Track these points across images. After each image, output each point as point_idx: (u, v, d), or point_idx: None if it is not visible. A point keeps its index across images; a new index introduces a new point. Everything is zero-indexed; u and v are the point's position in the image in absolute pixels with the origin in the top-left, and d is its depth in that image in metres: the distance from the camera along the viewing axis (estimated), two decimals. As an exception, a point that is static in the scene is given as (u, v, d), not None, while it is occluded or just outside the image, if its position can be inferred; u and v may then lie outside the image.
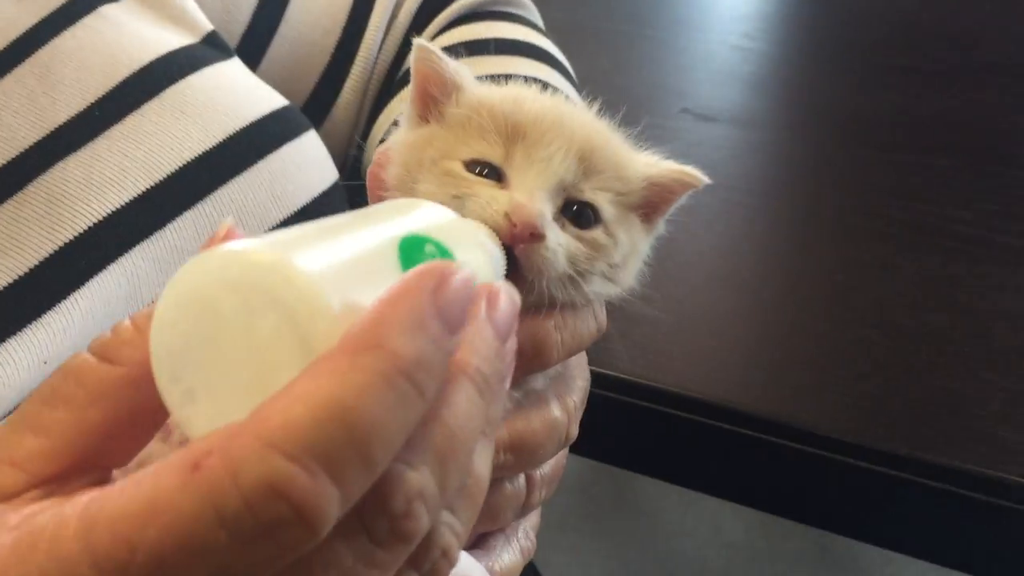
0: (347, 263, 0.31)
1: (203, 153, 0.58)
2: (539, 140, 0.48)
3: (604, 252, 0.48)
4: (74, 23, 0.61)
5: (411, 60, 0.51)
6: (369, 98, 0.83)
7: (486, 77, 0.75)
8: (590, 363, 0.55)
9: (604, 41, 1.23)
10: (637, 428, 0.75)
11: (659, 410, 0.71)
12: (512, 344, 0.35)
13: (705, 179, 0.51)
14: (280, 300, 0.28)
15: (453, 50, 0.77)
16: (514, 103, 0.50)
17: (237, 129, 0.61)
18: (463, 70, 0.51)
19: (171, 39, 0.64)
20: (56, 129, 0.56)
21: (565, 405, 0.49)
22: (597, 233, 0.48)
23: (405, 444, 0.28)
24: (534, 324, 0.46)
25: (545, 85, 0.77)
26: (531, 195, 0.46)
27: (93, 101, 0.58)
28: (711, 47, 1.26)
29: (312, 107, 0.80)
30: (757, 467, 0.72)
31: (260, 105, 0.64)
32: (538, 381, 0.50)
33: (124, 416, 0.31)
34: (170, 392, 0.29)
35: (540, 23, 0.90)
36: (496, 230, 0.44)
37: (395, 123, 0.57)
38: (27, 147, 0.55)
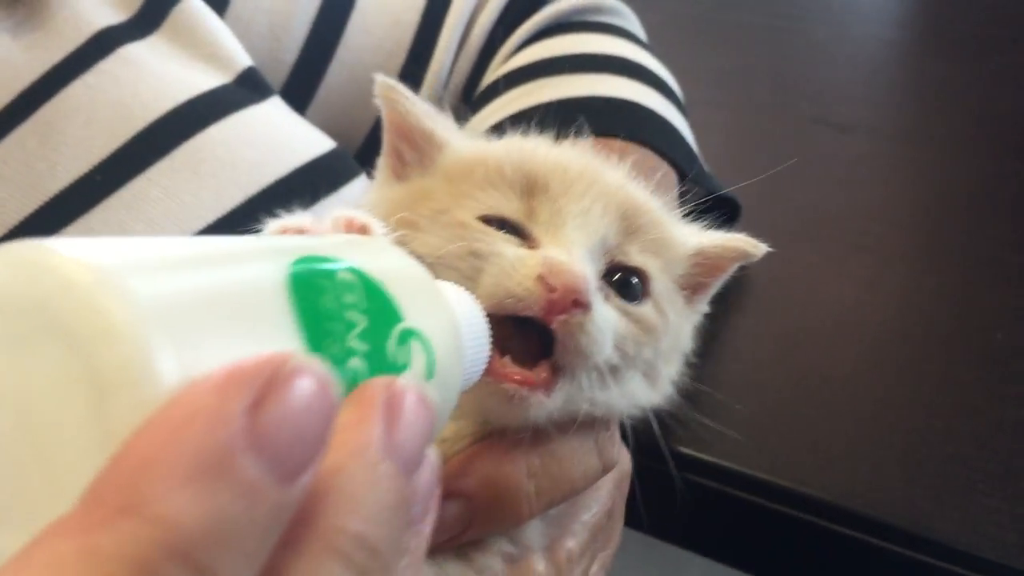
0: (207, 298, 0.20)
1: (215, 221, 0.51)
2: (568, 191, 0.38)
3: (654, 335, 0.38)
4: (89, 68, 0.54)
5: (378, 101, 0.42)
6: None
7: (558, 102, 0.65)
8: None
9: (726, 34, 1.09)
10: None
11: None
12: (426, 475, 0.23)
13: (764, 248, 0.43)
14: (67, 331, 0.17)
15: (528, 71, 0.67)
16: (523, 152, 0.40)
17: (259, 189, 0.53)
18: (441, 121, 0.42)
19: (198, 80, 0.56)
20: (50, 200, 0.49)
21: (554, 556, 0.38)
22: (647, 309, 0.38)
23: None
24: (494, 467, 0.35)
25: (627, 109, 0.66)
26: (570, 253, 0.35)
27: (95, 164, 0.51)
28: (854, 42, 1.09)
29: (375, 139, 0.72)
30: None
31: (294, 155, 0.56)
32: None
33: None
34: None
35: (639, 32, 0.78)
36: (524, 302, 0.34)
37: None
38: (16, 223, 0.48)
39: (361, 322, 0.23)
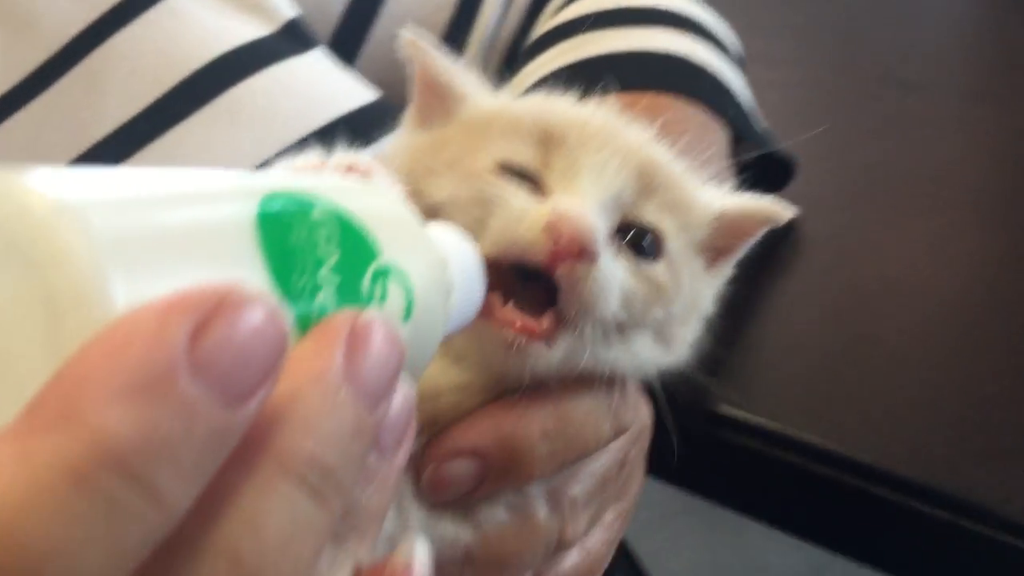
0: (167, 226, 0.20)
1: (253, 169, 0.51)
2: (585, 144, 0.37)
3: (665, 296, 0.37)
4: (134, 18, 0.55)
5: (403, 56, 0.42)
6: (490, 72, 0.74)
7: (605, 57, 0.64)
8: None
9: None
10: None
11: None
12: (398, 407, 0.23)
13: (791, 213, 0.41)
14: (24, 255, 0.18)
15: (577, 25, 0.66)
16: (544, 107, 0.40)
17: (297, 138, 0.53)
18: (463, 75, 0.42)
19: (241, 31, 0.57)
20: (93, 146, 0.50)
21: (559, 501, 0.38)
22: (659, 269, 0.37)
23: None
24: (510, 426, 0.35)
25: (673, 63, 0.64)
26: (580, 203, 0.35)
27: (138, 112, 0.51)
28: (925, -4, 1.05)
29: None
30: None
31: (334, 106, 0.56)
32: None
33: None
34: None
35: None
36: (528, 251, 0.33)
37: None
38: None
39: (332, 257, 0.23)
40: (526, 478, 0.36)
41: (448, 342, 0.36)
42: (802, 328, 0.66)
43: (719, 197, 0.42)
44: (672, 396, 0.50)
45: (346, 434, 0.21)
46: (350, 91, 0.58)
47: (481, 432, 0.35)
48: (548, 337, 0.34)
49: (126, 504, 0.17)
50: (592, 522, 0.40)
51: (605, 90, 0.62)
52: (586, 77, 0.61)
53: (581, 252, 0.33)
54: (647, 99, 0.63)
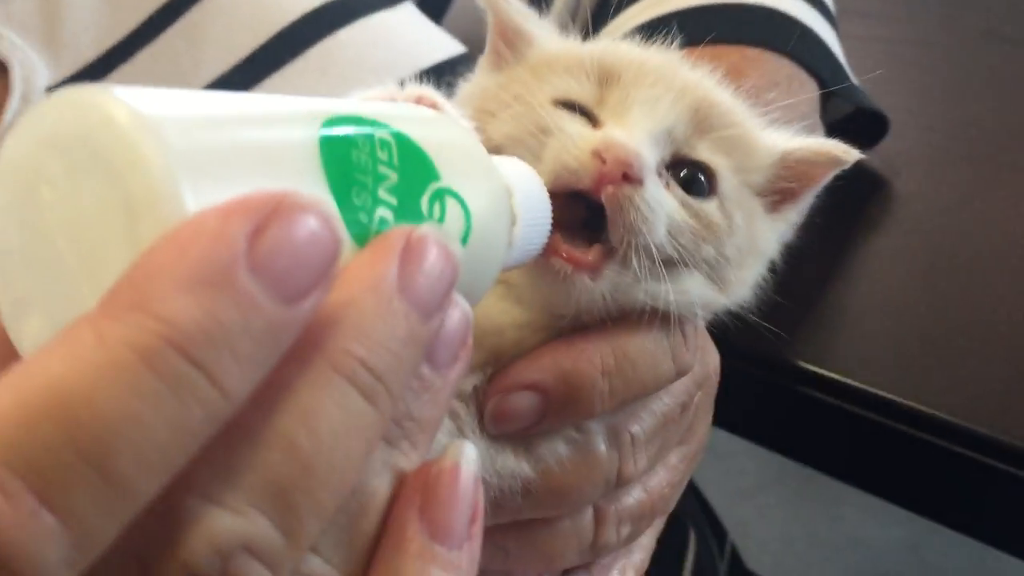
0: (236, 142, 0.22)
1: None
2: (640, 80, 0.38)
3: (715, 234, 0.37)
4: (233, -26, 0.57)
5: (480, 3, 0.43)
6: (578, 27, 0.74)
7: (693, 9, 0.64)
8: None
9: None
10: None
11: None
12: (454, 323, 0.25)
13: (856, 154, 0.41)
14: (107, 162, 0.20)
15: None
16: (606, 48, 0.41)
17: (384, 90, 0.55)
18: (534, 20, 0.43)
19: (334, -15, 0.59)
20: (193, 97, 0.53)
21: (618, 437, 0.38)
22: (710, 207, 0.37)
23: (207, 465, 0.20)
24: (571, 362, 0.35)
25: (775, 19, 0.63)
26: (629, 133, 0.36)
27: (235, 64, 0.54)
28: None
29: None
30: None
31: (420, 58, 0.57)
32: None
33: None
34: (2, 304, 0.22)
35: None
36: (577, 175, 0.34)
37: None
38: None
39: (392, 177, 0.25)
40: (586, 414, 0.36)
41: (512, 281, 0.37)
42: (892, 287, 0.65)
43: (782, 139, 0.42)
44: (758, 351, 0.50)
45: (397, 341, 0.22)
46: (438, 43, 0.59)
47: (542, 367, 0.36)
48: (593, 268, 0.35)
49: (190, 384, 0.19)
50: (654, 462, 0.40)
51: (693, 42, 0.62)
52: (672, 31, 0.61)
53: (626, 175, 0.34)
54: (736, 52, 0.62)
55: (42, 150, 0.21)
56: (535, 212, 0.31)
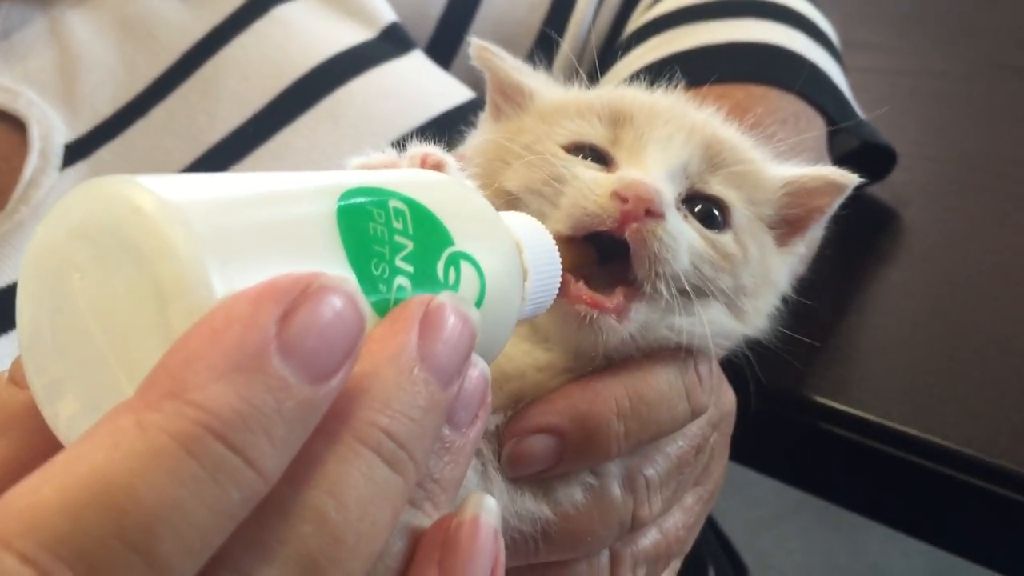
0: (259, 225, 0.22)
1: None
2: (651, 121, 0.39)
3: (733, 264, 0.38)
4: (245, 29, 0.58)
5: (475, 63, 0.44)
6: (583, 76, 0.75)
7: (699, 49, 0.64)
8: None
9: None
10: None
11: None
12: (473, 385, 0.25)
13: (855, 179, 0.42)
14: (137, 250, 0.20)
15: (671, 18, 0.66)
16: (613, 92, 0.42)
17: (396, 137, 0.55)
18: (530, 73, 0.44)
19: (343, 36, 0.60)
20: (209, 150, 0.54)
21: (633, 481, 0.39)
22: (726, 239, 0.39)
23: (242, 542, 0.20)
24: (586, 405, 0.36)
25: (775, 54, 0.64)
26: (646, 170, 0.37)
27: (249, 117, 0.55)
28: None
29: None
30: None
31: (431, 106, 0.58)
32: None
33: (37, 447, 0.25)
34: (35, 387, 0.23)
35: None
36: (599, 217, 0.35)
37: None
38: (179, 171, 0.53)
39: (408, 246, 0.25)
40: (603, 456, 0.37)
41: (534, 325, 0.38)
42: (905, 319, 0.65)
43: (785, 170, 0.43)
44: (774, 387, 0.50)
45: (419, 409, 0.23)
46: (447, 91, 0.60)
47: (558, 410, 0.36)
48: (619, 311, 0.35)
49: (229, 468, 0.19)
50: (669, 504, 0.41)
51: (699, 83, 0.62)
52: (678, 71, 0.62)
53: (648, 210, 0.35)
54: (742, 91, 0.63)
55: (72, 240, 0.22)
56: (545, 264, 0.31)
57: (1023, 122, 0.81)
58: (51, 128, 0.53)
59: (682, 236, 0.36)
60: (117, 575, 0.18)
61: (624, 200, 0.34)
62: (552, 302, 0.32)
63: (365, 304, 0.22)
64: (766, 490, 1.89)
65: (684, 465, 0.40)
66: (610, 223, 0.35)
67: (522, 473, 0.36)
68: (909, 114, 0.83)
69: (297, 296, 0.21)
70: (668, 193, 0.36)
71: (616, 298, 0.35)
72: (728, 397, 0.44)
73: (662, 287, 0.35)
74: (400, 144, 0.56)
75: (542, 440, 0.36)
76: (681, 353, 0.38)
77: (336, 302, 0.21)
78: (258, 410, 0.20)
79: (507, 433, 0.36)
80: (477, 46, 0.44)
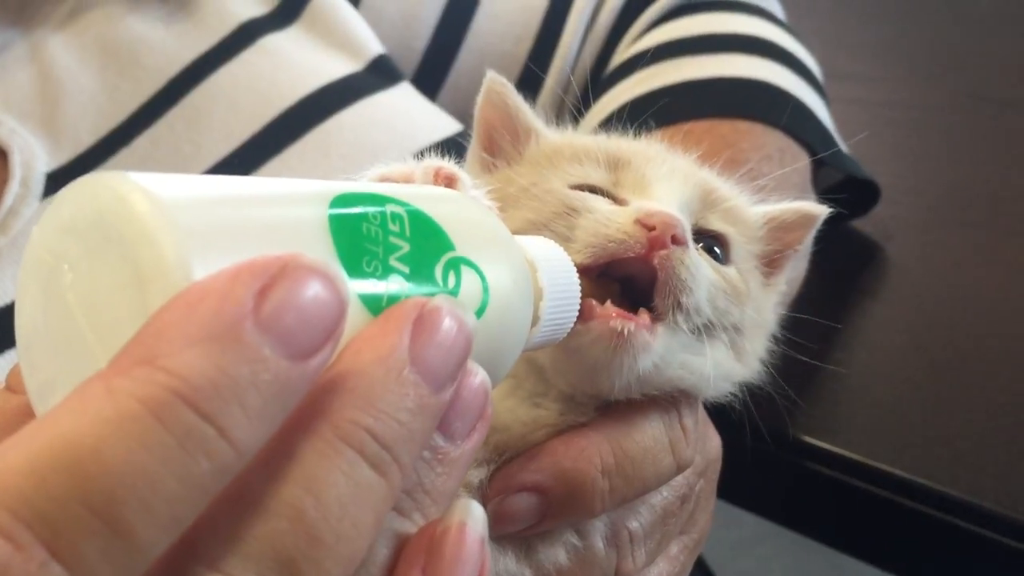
0: (245, 219, 0.22)
1: None
2: (650, 162, 0.40)
3: (740, 296, 0.39)
4: (233, 57, 0.58)
5: (480, 96, 0.44)
6: (567, 108, 0.75)
7: (683, 84, 0.65)
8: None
9: (878, 4, 1.03)
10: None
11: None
12: (471, 395, 0.24)
13: (826, 210, 0.44)
14: (120, 237, 0.21)
15: (656, 53, 0.67)
16: (605, 139, 0.43)
17: (382, 172, 0.55)
18: (536, 116, 0.44)
19: (332, 68, 0.60)
20: (193, 182, 0.53)
21: (617, 535, 0.38)
22: (733, 271, 0.39)
23: (216, 535, 0.20)
24: (570, 462, 0.35)
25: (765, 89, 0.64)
26: (660, 203, 0.37)
27: (236, 147, 0.54)
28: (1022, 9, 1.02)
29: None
30: None
31: (419, 138, 0.58)
32: None
33: None
34: (30, 387, 0.23)
35: (776, 9, 0.76)
36: (625, 244, 0.35)
37: None
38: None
39: (404, 247, 0.25)
40: (587, 513, 0.36)
41: (539, 360, 0.37)
42: (890, 357, 0.65)
43: (765, 208, 0.44)
44: (757, 426, 0.50)
45: (407, 412, 0.22)
46: (434, 122, 0.60)
47: (541, 467, 0.35)
48: (649, 328, 0.35)
49: (199, 436, 0.19)
50: (653, 555, 0.40)
51: (684, 117, 0.62)
52: (664, 105, 0.62)
53: (675, 238, 0.34)
54: (728, 125, 0.63)
55: (62, 235, 0.22)
56: (563, 289, 0.31)
57: (1006, 155, 0.82)
58: (32, 156, 0.53)
59: (702, 267, 0.36)
60: (80, 539, 0.18)
61: (650, 228, 0.34)
62: (570, 328, 0.31)
63: (346, 287, 0.21)
64: (744, 511, 1.89)
65: (669, 516, 0.40)
66: (638, 248, 0.34)
67: (505, 531, 0.36)
68: (889, 145, 0.84)
69: (275, 272, 0.20)
70: (687, 222, 0.37)
71: (643, 316, 0.35)
72: (714, 443, 0.44)
73: (681, 319, 0.35)
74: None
75: (525, 499, 0.35)
76: (667, 402, 0.38)
77: (315, 281, 0.21)
78: (232, 379, 0.19)
79: (490, 491, 0.36)
80: (495, 80, 0.43)
